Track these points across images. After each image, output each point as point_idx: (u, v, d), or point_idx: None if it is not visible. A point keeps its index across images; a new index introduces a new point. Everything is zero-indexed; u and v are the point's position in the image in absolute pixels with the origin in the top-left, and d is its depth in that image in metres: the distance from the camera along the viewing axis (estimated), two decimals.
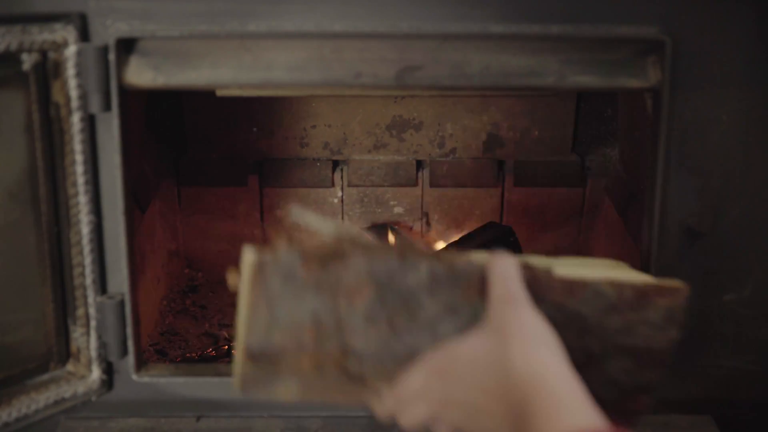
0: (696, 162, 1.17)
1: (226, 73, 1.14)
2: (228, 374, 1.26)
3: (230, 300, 1.75)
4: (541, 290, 0.85)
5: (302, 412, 1.26)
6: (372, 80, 1.14)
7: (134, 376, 1.23)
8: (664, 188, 1.18)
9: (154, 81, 1.14)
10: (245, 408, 1.26)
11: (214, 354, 1.61)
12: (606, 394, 0.87)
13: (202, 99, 1.77)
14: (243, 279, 0.84)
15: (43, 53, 1.09)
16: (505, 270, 0.82)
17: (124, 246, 1.18)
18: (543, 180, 1.84)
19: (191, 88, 1.18)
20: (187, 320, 1.76)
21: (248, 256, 0.83)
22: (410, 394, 0.83)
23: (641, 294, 0.88)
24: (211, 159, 1.83)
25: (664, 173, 1.17)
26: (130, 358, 1.22)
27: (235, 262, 0.84)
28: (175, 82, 1.14)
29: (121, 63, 1.12)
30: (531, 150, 1.84)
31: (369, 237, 0.93)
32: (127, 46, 1.13)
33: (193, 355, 1.60)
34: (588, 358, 0.87)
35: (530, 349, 0.75)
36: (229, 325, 1.73)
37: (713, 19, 1.13)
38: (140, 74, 1.13)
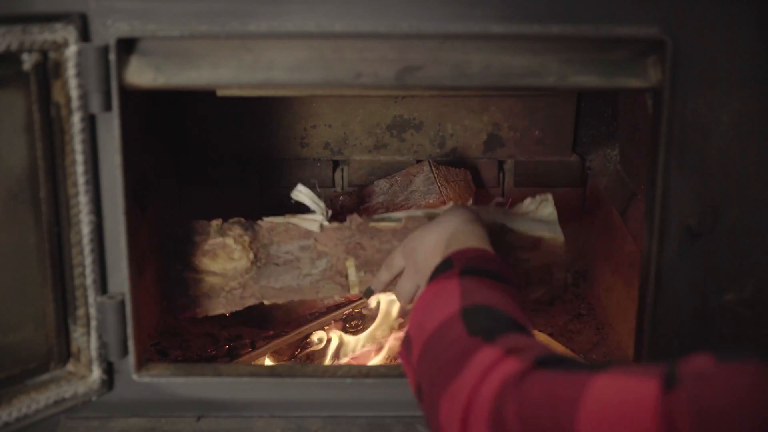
0: (696, 162, 1.17)
1: (226, 73, 1.14)
2: (228, 374, 1.27)
3: None
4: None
5: (302, 412, 1.26)
6: (372, 80, 1.14)
7: (134, 376, 1.23)
8: (664, 188, 1.18)
9: (154, 81, 1.14)
10: (245, 408, 1.26)
11: (214, 354, 1.61)
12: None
13: (202, 99, 1.77)
14: None
15: (44, 53, 1.09)
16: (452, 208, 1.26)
17: (125, 246, 1.18)
18: (543, 180, 1.84)
19: (192, 88, 1.18)
20: (187, 320, 1.76)
21: None
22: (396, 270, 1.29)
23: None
24: (211, 159, 1.83)
25: (665, 173, 1.17)
26: (131, 358, 1.22)
27: None
28: (175, 82, 1.14)
29: (122, 63, 1.12)
30: (531, 150, 1.84)
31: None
32: (127, 46, 1.13)
33: (194, 355, 1.60)
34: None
35: (459, 221, 1.18)
36: (229, 325, 1.73)
37: (714, 19, 1.13)
38: (141, 74, 1.13)
